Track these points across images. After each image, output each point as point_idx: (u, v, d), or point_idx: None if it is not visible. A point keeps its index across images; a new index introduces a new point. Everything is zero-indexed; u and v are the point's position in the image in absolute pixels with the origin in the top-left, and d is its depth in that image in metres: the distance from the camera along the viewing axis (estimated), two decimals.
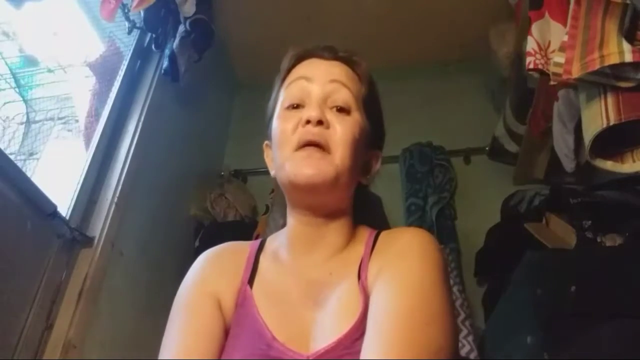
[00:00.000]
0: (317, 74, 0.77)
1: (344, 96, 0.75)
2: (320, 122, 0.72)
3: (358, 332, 0.65)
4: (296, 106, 0.75)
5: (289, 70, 0.80)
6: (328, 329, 0.67)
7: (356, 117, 0.75)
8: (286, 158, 0.73)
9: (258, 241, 0.83)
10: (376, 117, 0.82)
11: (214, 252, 0.82)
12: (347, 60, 0.80)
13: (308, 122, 0.72)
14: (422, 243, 0.71)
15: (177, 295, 0.76)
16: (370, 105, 0.79)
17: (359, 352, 0.63)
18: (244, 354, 0.68)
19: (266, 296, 0.74)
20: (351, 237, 0.79)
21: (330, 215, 0.76)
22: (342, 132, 0.73)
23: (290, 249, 0.78)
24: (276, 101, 0.80)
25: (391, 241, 0.75)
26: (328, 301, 0.71)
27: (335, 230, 0.76)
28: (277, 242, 0.81)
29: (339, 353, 0.64)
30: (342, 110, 0.75)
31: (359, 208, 0.81)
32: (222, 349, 0.70)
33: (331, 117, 0.74)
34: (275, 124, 0.76)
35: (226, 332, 0.72)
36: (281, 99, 0.78)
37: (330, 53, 0.79)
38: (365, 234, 0.79)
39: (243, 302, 0.73)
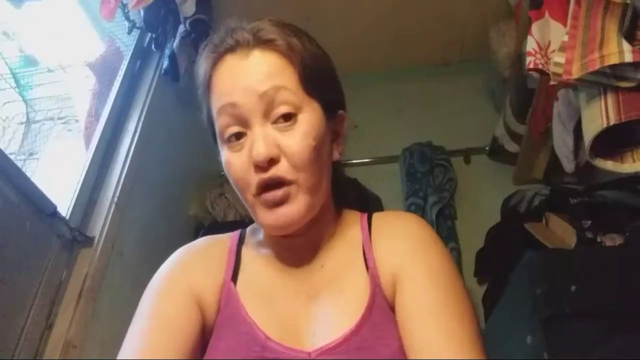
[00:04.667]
0: (241, 93, 0.64)
1: (281, 104, 0.64)
2: (270, 161, 0.63)
3: (366, 325, 0.63)
4: (237, 135, 0.66)
5: (209, 79, 0.69)
6: (332, 324, 0.65)
7: (305, 115, 0.65)
8: (251, 203, 0.66)
9: (237, 233, 0.78)
10: (325, 83, 0.70)
11: (192, 246, 0.77)
12: (265, 44, 0.67)
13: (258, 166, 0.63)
14: (426, 232, 0.71)
15: (148, 286, 0.71)
16: (312, 78, 0.67)
17: (366, 345, 0.62)
18: (236, 358, 0.64)
19: (252, 293, 0.69)
20: (337, 222, 0.75)
21: (312, 218, 0.69)
22: (296, 151, 0.64)
23: (272, 251, 0.73)
24: (211, 118, 0.70)
25: (391, 227, 0.72)
26: (326, 294, 0.68)
27: (320, 224, 0.72)
28: (258, 235, 0.76)
29: (345, 348, 0.62)
30: (288, 118, 0.64)
31: (336, 186, 0.75)
32: (196, 345, 0.65)
33: (278, 136, 0.64)
34: (223, 160, 0.68)
35: (204, 332, 0.67)
36: (217, 126, 0.68)
37: (244, 45, 0.67)
38: (354, 217, 0.76)
39: (228, 301, 0.69)
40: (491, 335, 1.39)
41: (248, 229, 0.79)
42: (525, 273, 1.18)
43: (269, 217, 0.65)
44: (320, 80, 0.69)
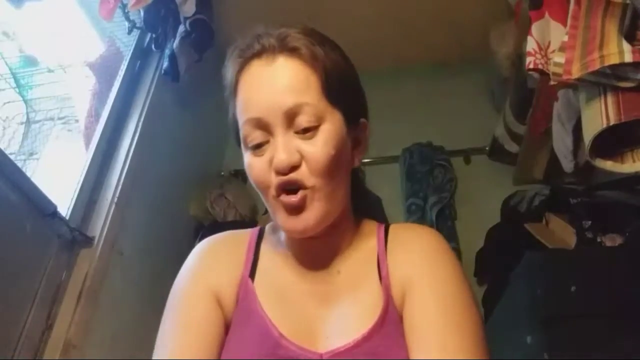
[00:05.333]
0: (265, 108, 0.66)
1: (304, 116, 0.66)
2: (291, 168, 0.65)
3: (378, 333, 0.65)
4: (260, 144, 0.67)
5: (235, 84, 0.71)
6: (345, 328, 0.66)
7: (326, 125, 0.67)
8: (272, 206, 0.68)
9: (257, 229, 0.80)
10: (347, 92, 0.72)
11: (212, 242, 0.78)
12: (290, 52, 0.68)
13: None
14: (441, 245, 0.72)
15: (172, 289, 0.73)
16: (335, 87, 0.69)
17: (377, 353, 0.63)
18: (249, 355, 0.66)
19: (269, 291, 0.71)
20: (356, 231, 0.76)
21: (331, 223, 0.71)
22: (316, 158, 0.65)
23: (290, 251, 0.75)
24: (236, 120, 0.71)
25: (406, 240, 0.73)
26: (341, 299, 0.70)
27: (338, 230, 0.74)
28: (277, 234, 0.78)
29: (356, 353, 0.63)
30: (309, 129, 0.66)
31: (355, 193, 0.77)
32: (221, 346, 0.68)
33: (299, 143, 0.66)
34: (245, 162, 0.70)
35: (226, 328, 0.70)
36: (241, 133, 0.69)
37: (269, 51, 0.69)
38: (372, 227, 0.77)
39: (245, 297, 0.71)
40: (491, 335, 1.39)
41: (268, 226, 0.81)
42: (525, 273, 1.18)
43: (287, 223, 0.67)
44: (342, 89, 0.70)
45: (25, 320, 1.18)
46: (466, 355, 0.60)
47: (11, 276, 1.16)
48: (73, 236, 1.35)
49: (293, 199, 0.65)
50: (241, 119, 0.69)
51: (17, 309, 1.17)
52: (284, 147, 0.65)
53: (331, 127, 0.67)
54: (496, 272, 1.72)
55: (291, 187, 0.66)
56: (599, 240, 1.36)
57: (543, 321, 1.06)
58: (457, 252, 1.91)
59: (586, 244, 1.36)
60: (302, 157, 0.66)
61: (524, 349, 1.10)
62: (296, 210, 0.66)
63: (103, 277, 1.39)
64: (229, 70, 0.72)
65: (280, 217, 0.68)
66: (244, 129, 0.68)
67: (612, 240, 1.34)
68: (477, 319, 0.65)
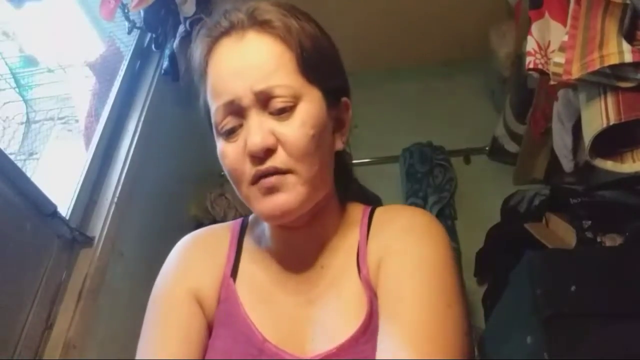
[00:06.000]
0: (236, 91, 0.61)
1: (278, 99, 0.61)
2: (266, 151, 0.60)
3: (365, 334, 0.61)
4: (233, 129, 0.63)
5: (205, 66, 0.66)
6: (330, 330, 0.63)
7: (304, 104, 0.62)
8: (246, 195, 0.64)
9: (239, 222, 0.76)
10: (326, 68, 0.66)
11: (192, 239, 0.75)
12: (261, 26, 0.63)
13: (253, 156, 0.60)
14: (426, 221, 0.67)
15: (153, 291, 0.71)
16: (312, 62, 0.63)
17: (365, 355, 0.60)
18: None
19: (251, 291, 0.68)
20: (341, 218, 0.71)
21: (313, 210, 0.66)
22: (293, 140, 0.60)
23: (273, 246, 0.71)
24: (207, 106, 0.67)
25: (390, 221, 0.68)
26: (326, 298, 0.66)
27: (322, 219, 0.69)
28: (260, 227, 0.74)
29: (343, 356, 0.60)
30: (284, 110, 0.61)
31: (341, 178, 0.72)
32: (203, 352, 0.65)
33: (274, 124, 0.61)
34: (219, 150, 0.66)
35: (209, 330, 0.67)
36: (213, 119, 0.65)
37: (238, 27, 0.64)
38: (358, 213, 0.72)
39: (226, 298, 0.68)
40: (491, 335, 1.39)
41: (251, 218, 0.76)
42: (525, 273, 1.18)
43: (264, 205, 0.62)
44: (320, 64, 0.65)
45: (25, 320, 1.18)
46: (442, 337, 0.55)
47: (11, 276, 1.16)
48: (73, 236, 1.35)
49: (271, 179, 0.61)
50: (212, 104, 0.65)
51: (17, 308, 1.17)
52: (258, 128, 0.60)
53: (309, 106, 0.62)
54: (496, 272, 1.72)
55: (268, 174, 0.61)
56: (599, 240, 1.36)
57: (543, 321, 1.06)
58: (457, 252, 1.91)
59: (586, 244, 1.36)
60: (277, 140, 0.61)
61: (524, 349, 1.10)
62: (273, 191, 0.61)
63: (103, 277, 1.39)
64: (197, 52, 0.67)
65: (257, 204, 0.62)
66: (215, 116, 0.64)
67: (612, 240, 1.34)
68: (455, 299, 0.60)
